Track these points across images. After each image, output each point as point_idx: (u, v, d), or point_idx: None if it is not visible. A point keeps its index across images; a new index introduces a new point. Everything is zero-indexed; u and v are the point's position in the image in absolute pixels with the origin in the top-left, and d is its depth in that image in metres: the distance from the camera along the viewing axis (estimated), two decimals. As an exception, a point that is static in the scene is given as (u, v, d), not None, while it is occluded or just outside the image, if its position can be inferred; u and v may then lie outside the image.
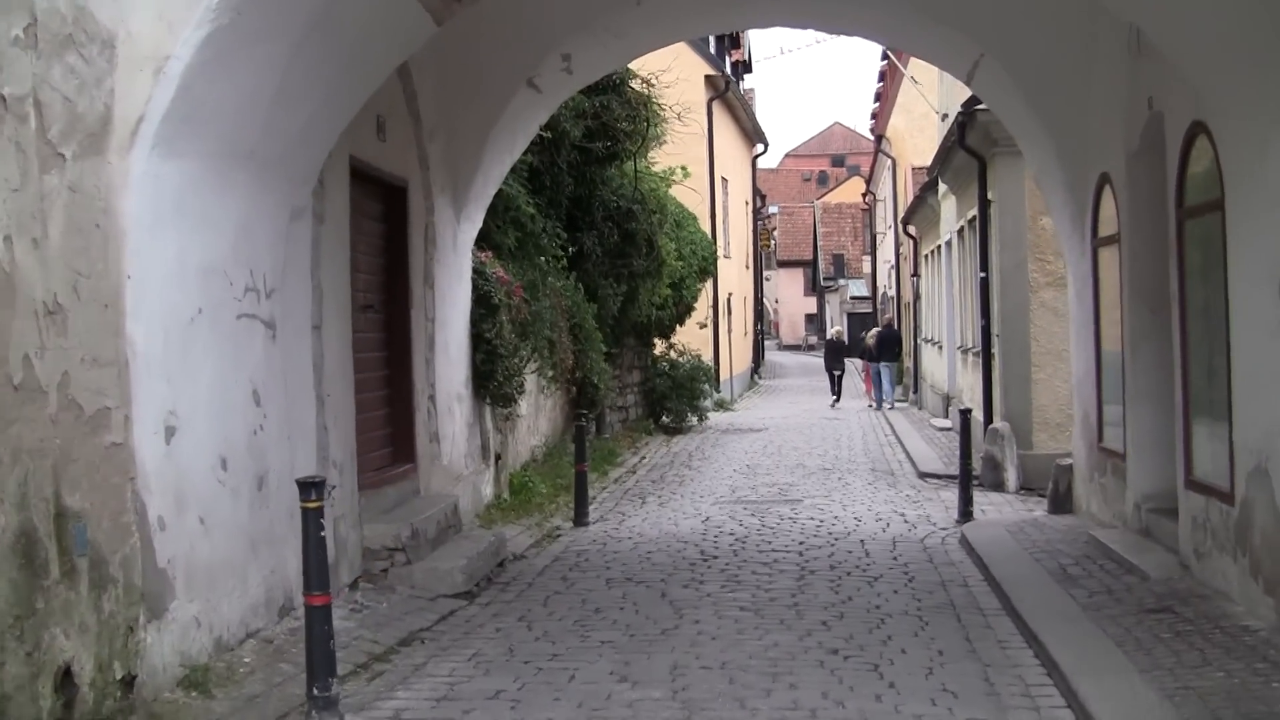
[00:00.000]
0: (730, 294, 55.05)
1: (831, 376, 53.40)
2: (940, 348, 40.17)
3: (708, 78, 50.09)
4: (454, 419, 18.39)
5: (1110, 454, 17.09)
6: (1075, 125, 17.38)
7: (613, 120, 26.39)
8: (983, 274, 25.83)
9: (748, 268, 65.29)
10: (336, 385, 13.75)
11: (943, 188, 36.51)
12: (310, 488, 9.72)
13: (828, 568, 16.00)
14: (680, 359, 38.87)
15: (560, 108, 23.38)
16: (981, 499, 21.03)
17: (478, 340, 19.54)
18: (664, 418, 37.91)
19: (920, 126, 58.20)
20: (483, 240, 21.13)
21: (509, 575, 15.89)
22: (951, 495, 22.30)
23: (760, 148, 66.32)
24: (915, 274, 50.67)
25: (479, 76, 17.82)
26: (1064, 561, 15.24)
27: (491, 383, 19.75)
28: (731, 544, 17.90)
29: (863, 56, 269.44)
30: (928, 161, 45.93)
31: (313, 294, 13.14)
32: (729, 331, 53.49)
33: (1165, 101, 14.20)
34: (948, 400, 37.75)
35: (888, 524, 19.77)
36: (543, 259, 24.15)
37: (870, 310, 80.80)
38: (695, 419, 38.91)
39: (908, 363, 54.45)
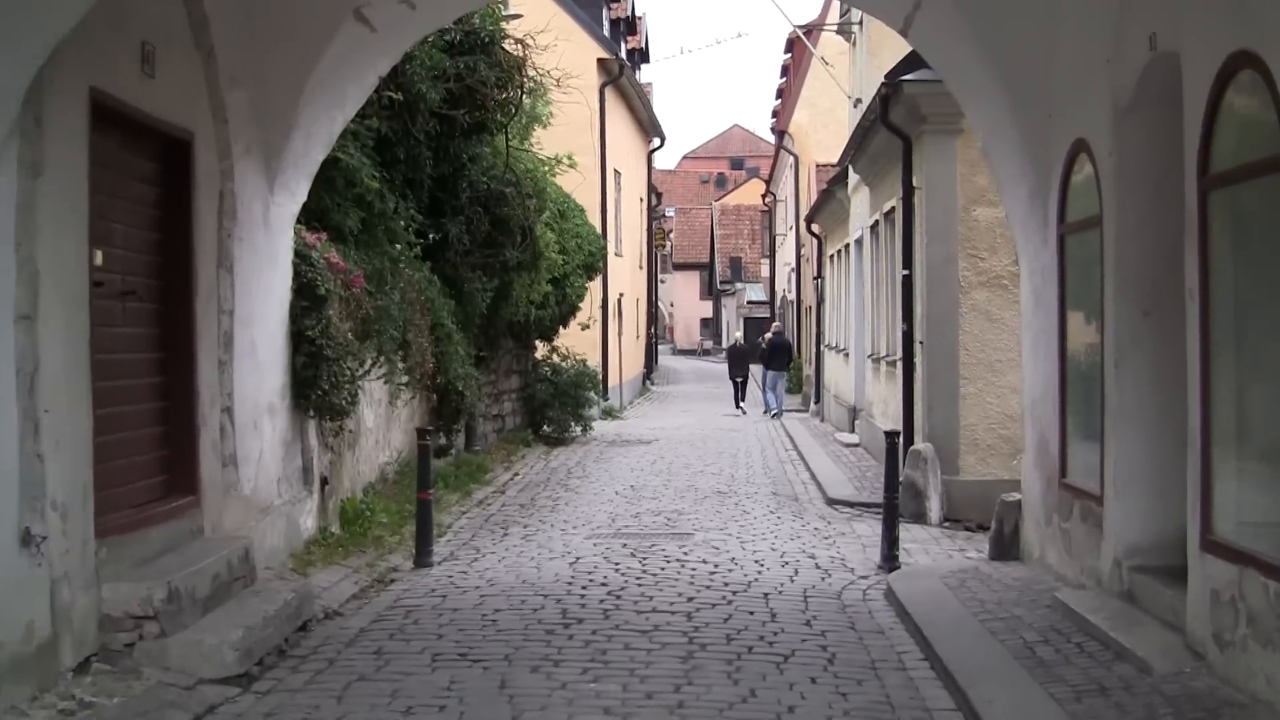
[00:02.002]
0: (621, 294, 51.70)
1: (735, 384, 51.48)
2: (847, 356, 36.92)
3: (600, 61, 46.68)
4: (261, 437, 14.76)
5: (1078, 493, 13.62)
6: (1040, 79, 13.97)
7: (479, 84, 22.73)
8: (905, 271, 22.47)
9: (641, 268, 61.97)
10: (61, 398, 10.07)
11: (854, 179, 33.23)
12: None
13: (723, 639, 12.40)
14: (564, 363, 35.44)
15: (415, 65, 20.14)
16: (902, 533, 17.58)
17: (299, 339, 15.93)
18: (545, 427, 34.76)
19: (824, 122, 56.23)
20: (319, 220, 17.62)
21: (311, 644, 12.25)
22: (867, 528, 19.28)
23: (656, 141, 63.15)
24: (818, 276, 47.60)
25: (293, 4, 14.19)
26: (1028, 637, 11.76)
27: (315, 391, 16.07)
28: (603, 599, 14.28)
29: (764, 58, 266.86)
30: (833, 159, 43.73)
31: (18, 272, 9.49)
32: (619, 334, 50.17)
33: (1178, 37, 10.73)
34: (854, 413, 34.58)
35: (796, 570, 16.24)
36: (396, 246, 20.53)
37: (768, 315, 77.96)
38: (579, 429, 35.70)
39: (808, 370, 51.87)
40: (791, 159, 62.15)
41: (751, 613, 13.62)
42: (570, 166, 32.08)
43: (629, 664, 11.47)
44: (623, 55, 52.54)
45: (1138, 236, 12.14)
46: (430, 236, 22.59)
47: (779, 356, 47.87)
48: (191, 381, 13.02)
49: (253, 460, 14.43)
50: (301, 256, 16.04)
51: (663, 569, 16.20)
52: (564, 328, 35.45)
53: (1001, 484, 19.25)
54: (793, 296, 63.46)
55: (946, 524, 20.34)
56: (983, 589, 14.12)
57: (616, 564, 16.53)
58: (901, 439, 21.77)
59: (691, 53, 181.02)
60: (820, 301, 47.09)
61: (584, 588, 14.99)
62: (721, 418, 45.51)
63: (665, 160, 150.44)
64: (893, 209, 25.53)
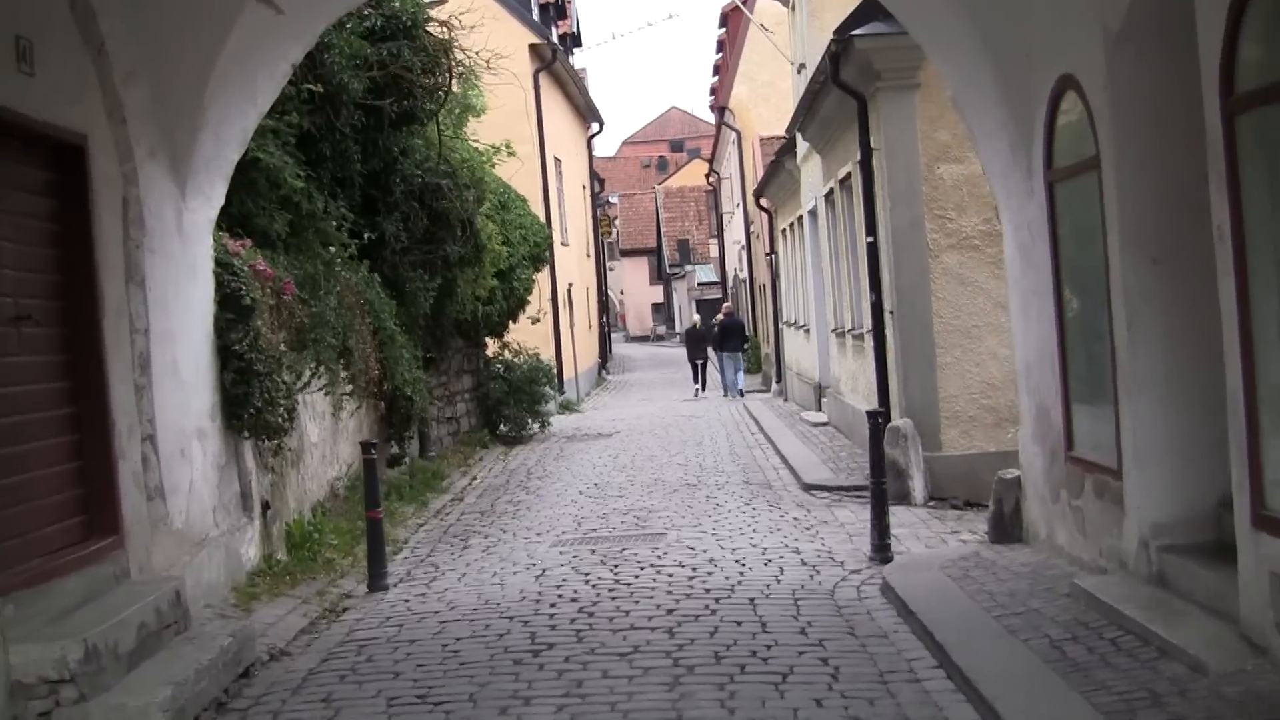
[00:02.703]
0: (571, 284, 50.48)
1: (694, 366, 50.97)
2: (808, 332, 35.77)
3: (533, 47, 45.30)
4: (191, 463, 13.46)
5: (1090, 466, 12.37)
6: (1015, 12, 12.71)
7: (404, 71, 21.37)
8: (870, 239, 21.23)
9: (589, 256, 60.80)
10: (-56, 441, 8.81)
11: (803, 148, 32.13)
12: None
13: (712, 658, 11.08)
14: (516, 359, 34.13)
15: (334, 54, 19.02)
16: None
17: (226, 355, 14.64)
18: (501, 426, 33.39)
19: (764, 95, 55.48)
20: (242, 226, 16.39)
21: (254, 693, 10.96)
22: (850, 515, 18.21)
23: (595, 127, 61.85)
24: (771, 252, 46.44)
25: (190, -12, 12.90)
26: (1054, 634, 10.49)
27: (247, 410, 14.76)
28: (574, 618, 12.93)
29: (696, 38, 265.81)
30: (776, 132, 43.02)
31: (-124, 303, 8.23)
32: (571, 325, 48.98)
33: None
34: (820, 390, 33.42)
35: (781, 568, 14.96)
36: (329, 248, 19.24)
37: (721, 295, 76.98)
38: (537, 426, 34.38)
39: (766, 349, 50.89)
40: (734, 135, 61.14)
41: (739, 623, 12.33)
42: (510, 154, 30.77)
43: (609, 697, 10.14)
44: (554, 40, 51.22)
45: (1142, 176, 10.89)
46: (365, 236, 21.31)
47: (732, 338, 47.53)
48: (105, 410, 11.70)
49: (183, 490, 13.16)
50: (223, 265, 14.75)
51: (637, 577, 14.91)
52: (514, 322, 34.15)
53: (987, 457, 18.67)
54: (745, 275, 62.37)
55: (932, 503, 19.30)
56: (989, 578, 12.89)
57: (586, 574, 15.24)
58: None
59: (623, 37, 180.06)
60: (775, 278, 45.97)
61: (553, 605, 13.65)
62: (682, 404, 44.40)
63: (605, 147, 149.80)
64: (849, 175, 24.50)
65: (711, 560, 15.62)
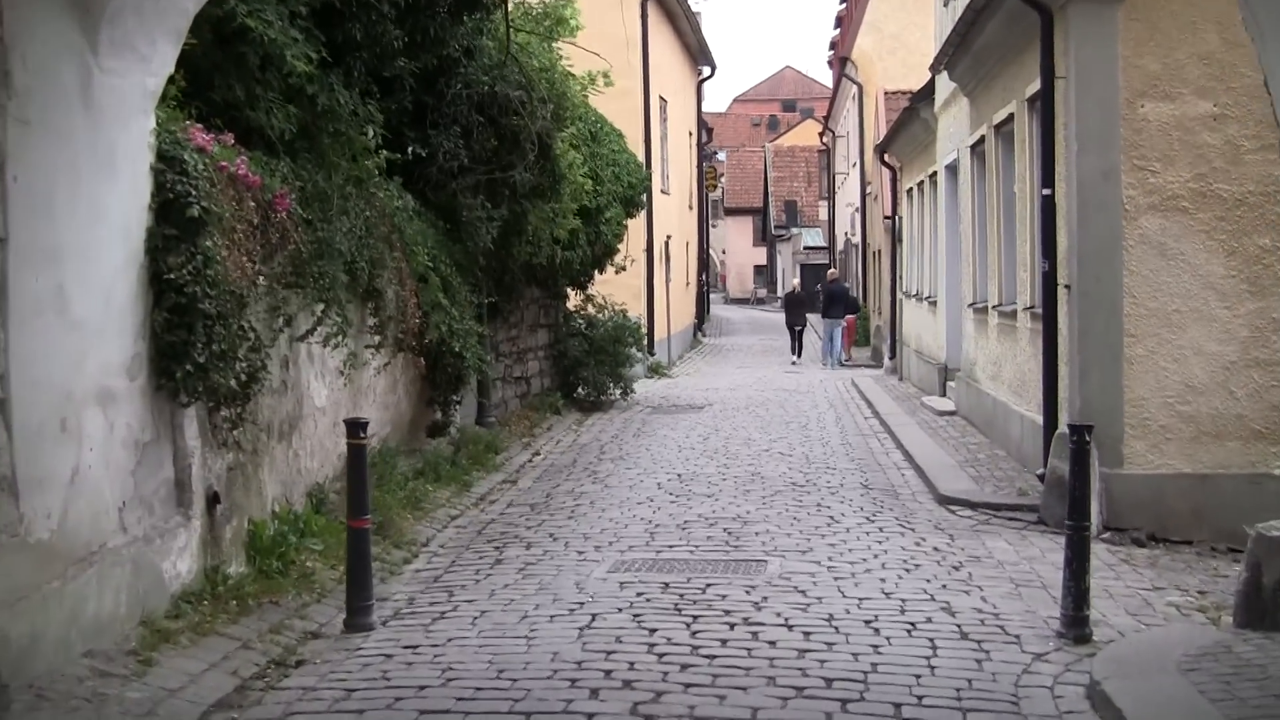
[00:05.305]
0: (669, 237, 46.23)
1: (792, 333, 49.37)
2: (934, 304, 31.26)
3: (641, -28, 40.89)
4: (82, 441, 9.16)
5: None
6: None
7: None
8: (1046, 190, 16.71)
9: (691, 209, 56.37)
10: None
11: (945, 91, 27.75)
12: None
13: None
14: (600, 314, 29.97)
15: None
16: (1048, 546, 12.71)
17: (162, 286, 10.29)
18: (578, 390, 29.39)
19: (891, 48, 52.73)
20: (226, 117, 12.19)
21: None
22: (1007, 548, 14.37)
23: (706, 71, 57.55)
24: (892, 214, 41.90)
25: None
26: None
27: (184, 365, 10.40)
28: (626, 715, 8.49)
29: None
30: (901, 86, 41.95)
31: None
32: (667, 281, 44.84)
33: None
34: (946, 373, 28.90)
35: (932, 642, 10.30)
36: (357, 161, 14.93)
37: (827, 261, 73.05)
38: (618, 391, 30.36)
39: (877, 321, 47.33)
40: (854, 89, 57.22)
41: (884, 757, 7.83)
42: (607, 84, 26.29)
43: None
44: (666, -34, 46.83)
45: None
46: (410, 150, 16.99)
47: (836, 305, 47.27)
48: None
49: (59, 481, 8.88)
50: (168, 160, 10.43)
51: (724, 642, 10.28)
52: (600, 272, 29.77)
53: (1181, 480, 15.57)
54: (857, 240, 58.21)
55: (1108, 534, 15.04)
56: (1269, 701, 8.32)
57: (651, 631, 10.62)
58: (1041, 413, 16.59)
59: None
60: (895, 243, 41.47)
61: (595, 692, 9.03)
62: (782, 375, 40.80)
63: (715, 103, 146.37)
64: (1009, 118, 20.20)
65: (830, 619, 10.97)
